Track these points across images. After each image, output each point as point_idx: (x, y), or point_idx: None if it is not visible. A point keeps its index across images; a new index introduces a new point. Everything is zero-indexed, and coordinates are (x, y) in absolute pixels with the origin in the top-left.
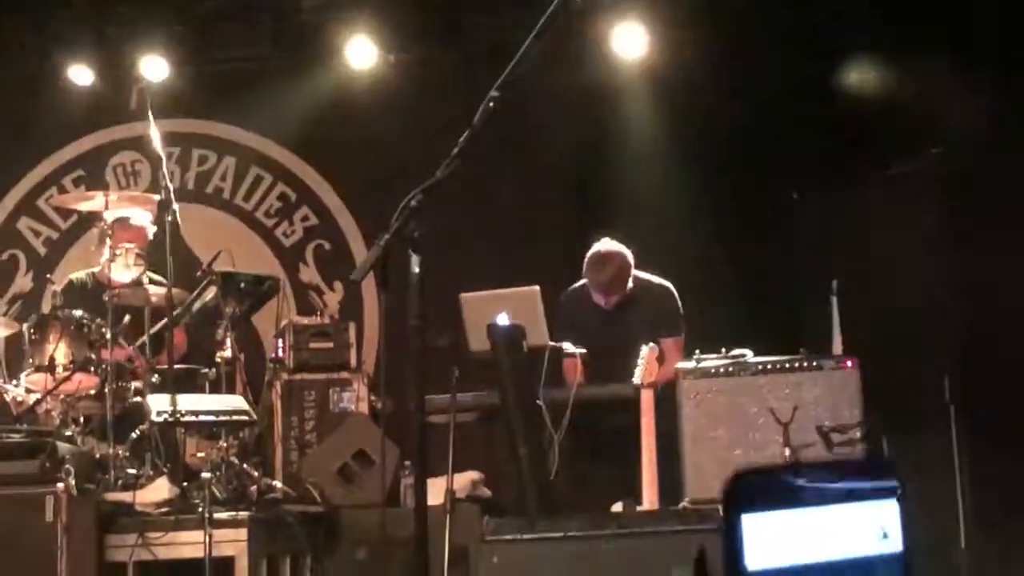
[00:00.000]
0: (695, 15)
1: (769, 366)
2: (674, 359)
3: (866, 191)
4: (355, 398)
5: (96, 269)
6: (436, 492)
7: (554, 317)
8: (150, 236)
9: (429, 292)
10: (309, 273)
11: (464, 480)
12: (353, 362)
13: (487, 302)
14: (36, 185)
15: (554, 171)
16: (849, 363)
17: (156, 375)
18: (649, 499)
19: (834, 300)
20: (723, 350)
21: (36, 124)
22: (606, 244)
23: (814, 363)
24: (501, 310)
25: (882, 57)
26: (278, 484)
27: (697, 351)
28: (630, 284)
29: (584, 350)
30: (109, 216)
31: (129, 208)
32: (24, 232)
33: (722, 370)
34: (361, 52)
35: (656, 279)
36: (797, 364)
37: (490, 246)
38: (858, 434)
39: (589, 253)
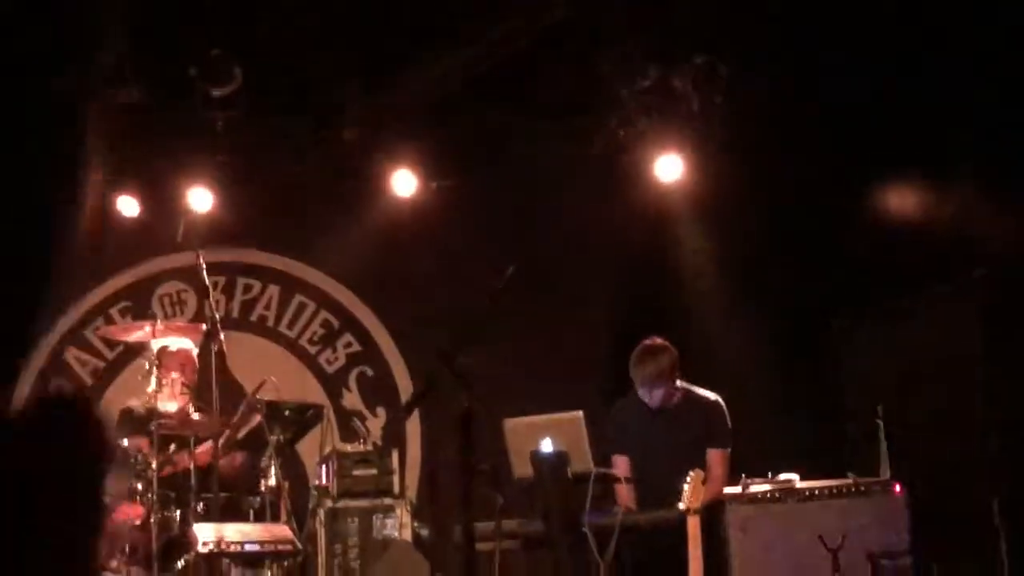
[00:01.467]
0: (729, 143)
1: (817, 491)
2: (719, 472)
3: (911, 314)
4: (398, 525)
5: (133, 401)
6: None
7: (606, 426)
8: (195, 363)
9: (472, 419)
10: (352, 399)
11: None
12: (396, 489)
13: (530, 428)
14: (83, 315)
15: (599, 298)
16: (897, 488)
17: (202, 504)
18: None
19: (881, 424)
20: (769, 474)
21: (82, 256)
22: (651, 340)
23: (862, 488)
24: (544, 436)
25: (916, 180)
26: None
27: (743, 476)
28: (679, 394)
29: (627, 475)
30: (155, 345)
31: (174, 337)
32: (71, 362)
33: (770, 496)
34: (403, 180)
35: (706, 392)
36: (845, 489)
37: (534, 372)
38: (908, 560)
39: (635, 350)
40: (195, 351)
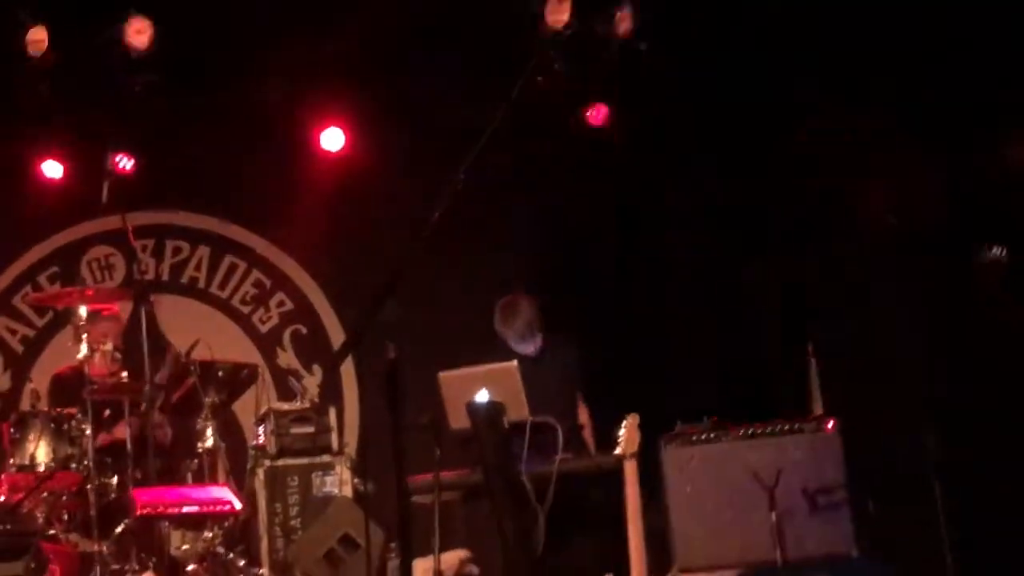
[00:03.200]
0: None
1: (751, 431)
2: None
3: (840, 252)
4: (338, 482)
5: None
6: (424, 573)
7: None
8: (123, 324)
9: (407, 372)
10: (287, 358)
11: (451, 559)
12: (335, 446)
13: (465, 380)
14: (11, 283)
15: (526, 242)
16: (830, 424)
17: (138, 471)
18: (637, 571)
19: (812, 362)
20: (704, 419)
21: (9, 221)
22: (508, 297)
23: (796, 426)
24: (480, 387)
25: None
26: (265, 572)
27: (679, 420)
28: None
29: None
30: (83, 311)
31: (100, 303)
32: (0, 331)
33: (704, 437)
34: (330, 137)
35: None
36: (779, 428)
37: (467, 323)
38: (843, 495)
39: (497, 308)
40: (123, 316)
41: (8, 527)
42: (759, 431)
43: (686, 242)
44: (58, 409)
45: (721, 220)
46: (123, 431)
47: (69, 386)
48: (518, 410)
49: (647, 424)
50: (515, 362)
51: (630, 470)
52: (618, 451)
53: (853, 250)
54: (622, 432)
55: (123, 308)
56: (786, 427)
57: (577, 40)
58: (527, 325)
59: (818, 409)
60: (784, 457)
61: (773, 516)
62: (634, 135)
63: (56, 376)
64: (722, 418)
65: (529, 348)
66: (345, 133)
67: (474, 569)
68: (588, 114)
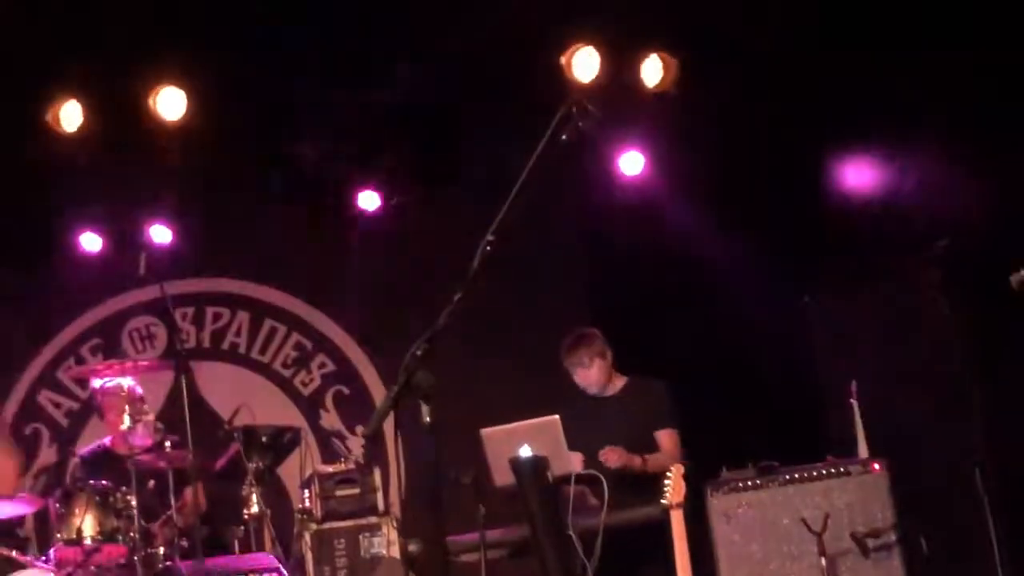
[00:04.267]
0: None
1: (797, 475)
2: (669, 449)
3: (876, 289)
4: (385, 542)
5: (106, 439)
6: None
7: None
8: (138, 392)
9: (449, 431)
10: (330, 419)
11: None
12: (381, 506)
13: (508, 436)
14: (54, 356)
15: (565, 293)
16: (877, 466)
17: (185, 539)
18: None
19: (855, 403)
20: (750, 464)
21: (50, 295)
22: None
23: (841, 469)
24: (522, 442)
25: (879, 150)
26: None
27: (723, 468)
28: (621, 382)
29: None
30: (123, 383)
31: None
32: (45, 405)
33: (750, 483)
34: (365, 197)
35: (648, 378)
36: (825, 471)
37: (506, 379)
38: (893, 537)
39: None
40: (134, 386)
41: None
42: (805, 475)
43: (729, 285)
44: (104, 482)
45: (761, 263)
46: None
47: (97, 464)
48: (562, 464)
49: (692, 472)
50: (557, 416)
51: (677, 520)
52: (664, 501)
53: (898, 284)
54: (668, 482)
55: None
56: (832, 470)
57: (607, 92)
58: (586, 351)
59: (864, 451)
60: (831, 501)
61: (823, 561)
62: (672, 181)
63: (81, 459)
64: (768, 464)
65: (584, 380)
66: (378, 193)
67: None
68: (623, 162)
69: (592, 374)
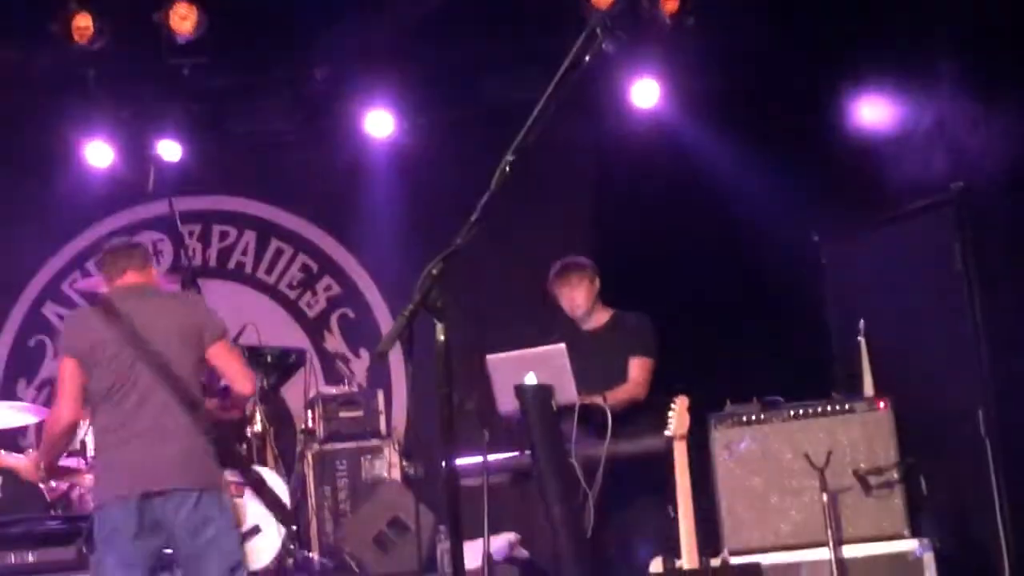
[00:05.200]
0: (706, 63)
1: (801, 411)
2: (636, 376)
3: (888, 229)
4: (387, 465)
5: None
6: (473, 556)
7: None
8: None
9: (454, 355)
10: (335, 342)
11: (501, 542)
12: (383, 429)
13: (513, 363)
14: (60, 270)
15: (575, 224)
16: (882, 404)
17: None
18: (688, 552)
19: (862, 341)
20: (754, 399)
21: (58, 207)
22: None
23: (846, 406)
24: (528, 370)
25: (894, 90)
26: (315, 555)
27: (728, 400)
28: (608, 315)
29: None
30: None
31: None
32: (50, 317)
33: (754, 417)
34: (377, 120)
35: (633, 312)
36: (829, 408)
37: (514, 304)
38: (895, 475)
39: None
40: None
41: (60, 513)
42: (809, 412)
43: (738, 220)
44: None
45: (773, 198)
46: None
47: None
48: (567, 393)
49: (697, 405)
50: (563, 345)
51: (680, 452)
52: (668, 432)
53: (911, 225)
54: (672, 413)
55: None
56: (837, 407)
57: (624, 18)
58: (574, 275)
59: (869, 389)
60: (835, 437)
61: (824, 497)
62: (685, 113)
63: None
64: (772, 399)
65: (571, 305)
66: (392, 116)
67: (523, 552)
68: (636, 91)
69: (578, 297)
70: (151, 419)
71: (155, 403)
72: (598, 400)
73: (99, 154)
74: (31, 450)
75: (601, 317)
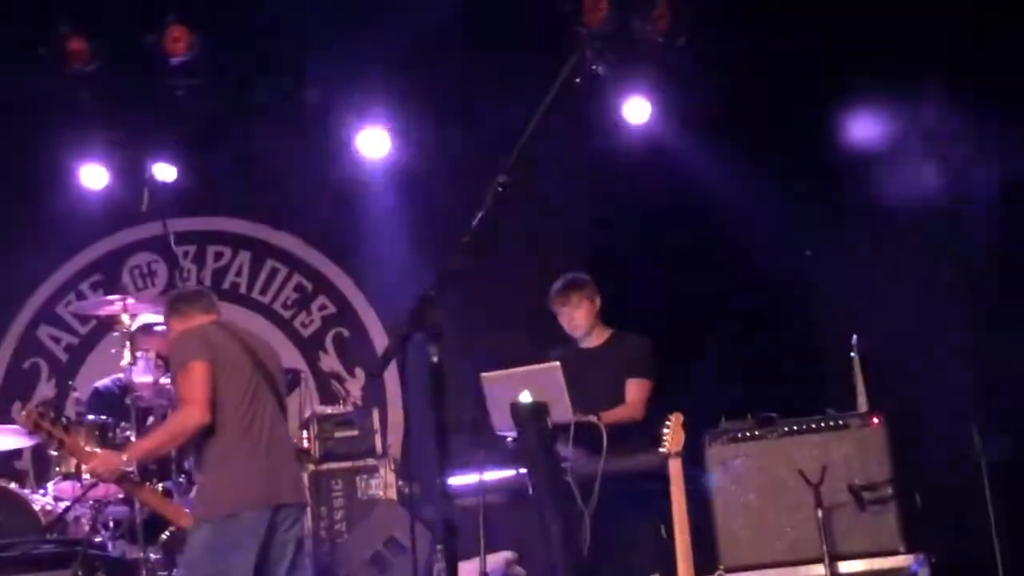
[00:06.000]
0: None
1: (795, 427)
2: (633, 398)
3: (880, 245)
4: (383, 484)
5: (120, 375)
6: (470, 575)
7: None
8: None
9: (449, 373)
10: (330, 362)
11: (498, 560)
12: (379, 448)
13: (508, 380)
14: (54, 292)
15: (569, 240)
16: (875, 420)
17: (183, 476)
18: (683, 570)
19: (855, 356)
20: (749, 415)
21: (52, 229)
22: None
23: (840, 422)
24: (523, 388)
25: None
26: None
27: (723, 417)
28: (607, 334)
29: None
30: (133, 323)
31: (152, 314)
32: (44, 340)
33: (748, 434)
34: (370, 139)
35: (633, 333)
36: (823, 424)
37: (510, 322)
38: (889, 491)
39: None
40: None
41: (55, 536)
42: (804, 427)
43: (732, 236)
44: (103, 417)
45: (766, 215)
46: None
47: (109, 398)
48: (562, 411)
49: (691, 422)
50: (558, 363)
51: (675, 469)
52: (663, 450)
53: (903, 242)
54: (667, 430)
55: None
56: (831, 423)
57: (616, 38)
58: (573, 291)
59: (863, 405)
60: (829, 453)
61: (819, 513)
62: (677, 131)
63: (95, 390)
64: (767, 415)
65: (569, 323)
66: (385, 135)
67: (520, 571)
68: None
69: (578, 316)
70: (275, 435)
71: (276, 421)
72: (593, 419)
73: (94, 176)
74: None
75: (600, 335)
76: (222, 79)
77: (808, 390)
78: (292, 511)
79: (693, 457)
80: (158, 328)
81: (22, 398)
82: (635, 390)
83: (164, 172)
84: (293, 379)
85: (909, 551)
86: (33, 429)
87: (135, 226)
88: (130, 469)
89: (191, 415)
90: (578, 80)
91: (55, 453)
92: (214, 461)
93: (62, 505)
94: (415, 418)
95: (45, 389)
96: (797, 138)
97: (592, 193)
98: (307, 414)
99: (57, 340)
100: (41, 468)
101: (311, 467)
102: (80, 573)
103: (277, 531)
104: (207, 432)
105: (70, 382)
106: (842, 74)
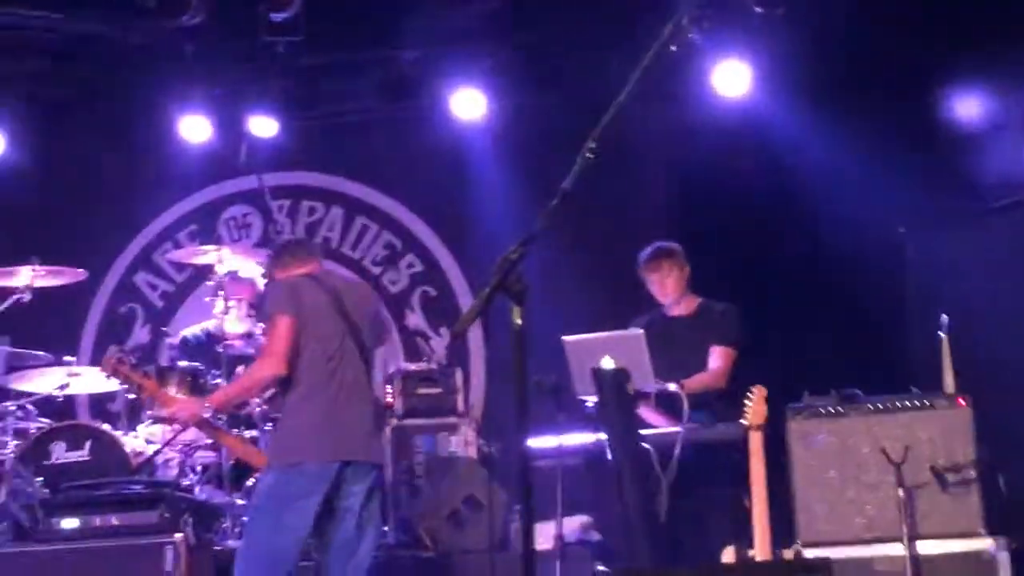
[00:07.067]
0: (798, 52)
1: (880, 405)
2: (716, 365)
3: (973, 225)
4: (463, 443)
5: (209, 323)
6: (546, 537)
7: None
8: (260, 289)
9: (533, 336)
10: (415, 319)
11: (574, 524)
12: (461, 407)
13: (591, 345)
14: (152, 239)
15: (658, 210)
16: (962, 401)
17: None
18: (760, 543)
19: (944, 336)
20: (832, 391)
21: (152, 179)
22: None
23: (926, 402)
24: (605, 353)
25: (991, 87)
26: (389, 529)
27: (806, 392)
28: (695, 303)
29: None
30: (221, 270)
31: (241, 262)
32: (141, 286)
33: (832, 410)
34: (464, 101)
35: (721, 302)
36: (908, 403)
37: (595, 288)
38: (972, 473)
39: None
40: (260, 280)
41: (144, 478)
42: (888, 405)
43: (824, 209)
44: (195, 364)
45: (860, 188)
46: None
47: (196, 346)
48: (644, 378)
49: (774, 395)
50: (641, 331)
51: (755, 441)
52: (744, 422)
53: (998, 222)
54: (749, 403)
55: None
56: (916, 403)
57: (714, 5)
58: (665, 259)
59: (950, 386)
60: (913, 433)
61: (900, 492)
62: (770, 100)
63: (184, 338)
64: (851, 392)
65: (659, 290)
66: (480, 97)
67: (596, 535)
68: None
69: (668, 284)
70: (355, 392)
71: (358, 377)
72: (675, 387)
73: (194, 129)
74: None
75: (689, 304)
76: (321, 37)
77: (894, 368)
78: (362, 469)
79: (773, 430)
80: (244, 276)
81: (118, 342)
82: (719, 357)
83: (263, 127)
84: (382, 333)
85: (990, 535)
86: (112, 374)
87: (232, 179)
88: (208, 415)
89: (265, 366)
90: (675, 47)
91: (131, 397)
92: (289, 411)
93: (152, 448)
94: (497, 379)
95: (140, 334)
96: (899, 112)
97: (682, 161)
98: (391, 370)
99: (154, 287)
100: (133, 411)
101: (394, 421)
102: (167, 514)
103: (343, 486)
104: (288, 383)
105: (164, 328)
106: (948, 48)
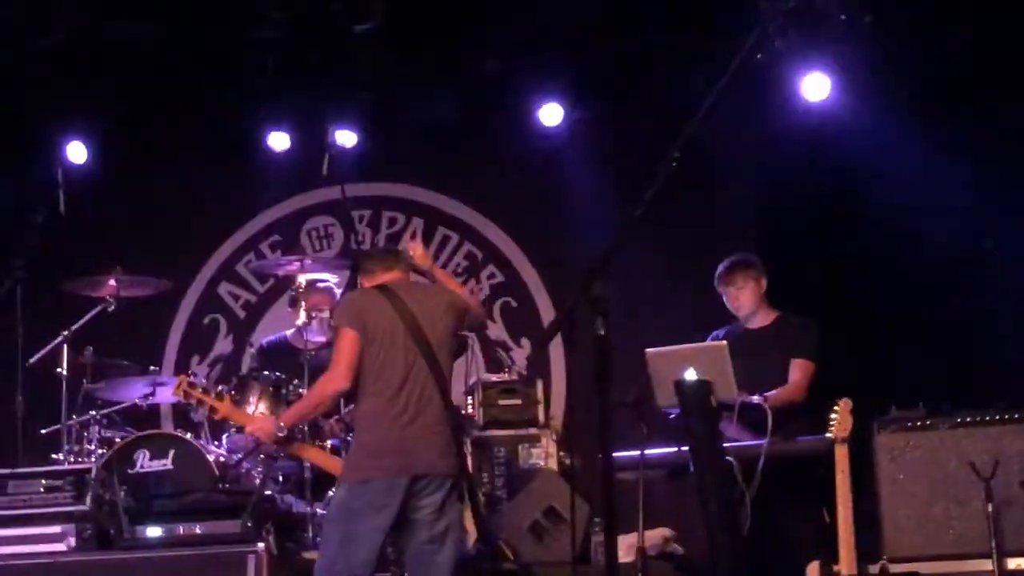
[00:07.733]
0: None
1: (968, 419)
2: (796, 378)
3: None
4: (544, 454)
5: (288, 332)
6: (627, 549)
7: None
8: (336, 298)
9: (615, 347)
10: (497, 330)
11: (656, 537)
12: (541, 418)
13: (673, 357)
14: (236, 250)
15: (739, 219)
16: None
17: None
18: (845, 558)
19: None
20: (920, 404)
21: (235, 191)
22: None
23: (1016, 415)
24: (687, 365)
25: None
26: (470, 539)
27: (893, 406)
28: (773, 316)
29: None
30: (302, 280)
31: (319, 272)
32: (224, 296)
33: (919, 424)
34: (545, 111)
35: (799, 315)
36: (998, 417)
37: (677, 301)
38: None
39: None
40: (338, 290)
41: (228, 487)
42: (977, 419)
43: (911, 219)
44: (277, 373)
45: (950, 198)
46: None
47: (271, 355)
48: (727, 390)
49: (861, 409)
50: (725, 342)
51: (841, 455)
52: (829, 435)
53: None
54: (834, 415)
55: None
56: (1006, 416)
57: (798, 15)
58: (740, 271)
59: None
60: (1002, 447)
61: (990, 507)
62: (854, 110)
63: (261, 347)
64: (938, 405)
65: (735, 304)
66: (560, 107)
67: (678, 548)
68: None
69: (743, 296)
70: (422, 405)
71: (426, 390)
72: (759, 399)
73: (277, 140)
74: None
75: (767, 316)
76: (403, 48)
77: (984, 381)
78: (434, 482)
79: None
80: (321, 285)
81: (201, 352)
82: (799, 371)
83: (345, 138)
84: (461, 345)
85: None
86: (184, 398)
87: (314, 189)
88: (283, 434)
89: (330, 381)
90: (759, 56)
91: (203, 417)
92: (360, 426)
93: (235, 458)
94: (579, 390)
95: (223, 344)
96: (988, 120)
97: (763, 171)
98: (472, 380)
99: (236, 297)
100: (216, 422)
101: (475, 432)
102: (250, 523)
103: (414, 499)
104: (358, 397)
105: (247, 338)
106: None
